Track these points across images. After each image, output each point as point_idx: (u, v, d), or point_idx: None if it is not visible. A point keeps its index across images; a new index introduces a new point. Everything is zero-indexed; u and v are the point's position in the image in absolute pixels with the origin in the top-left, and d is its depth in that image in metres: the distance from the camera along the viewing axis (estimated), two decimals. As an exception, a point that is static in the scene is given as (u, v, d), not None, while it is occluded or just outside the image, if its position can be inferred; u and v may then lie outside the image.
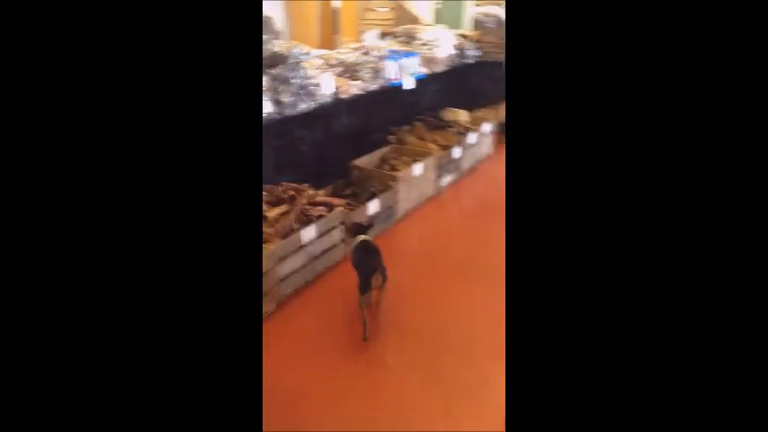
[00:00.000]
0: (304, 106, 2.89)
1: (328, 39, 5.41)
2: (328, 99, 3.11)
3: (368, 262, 2.40)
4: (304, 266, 2.65)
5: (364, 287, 2.32)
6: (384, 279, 2.41)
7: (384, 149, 3.85)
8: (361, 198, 3.24)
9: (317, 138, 3.09)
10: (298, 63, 2.81)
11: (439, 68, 4.33)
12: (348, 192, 3.35)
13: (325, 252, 2.79)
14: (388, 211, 3.32)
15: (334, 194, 3.28)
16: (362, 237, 2.61)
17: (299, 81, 2.82)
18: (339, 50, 3.57)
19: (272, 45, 2.69)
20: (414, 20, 5.03)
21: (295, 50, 2.78)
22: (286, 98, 2.76)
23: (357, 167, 3.49)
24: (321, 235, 2.71)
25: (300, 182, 2.93)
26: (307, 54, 2.89)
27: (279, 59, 2.72)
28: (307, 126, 2.97)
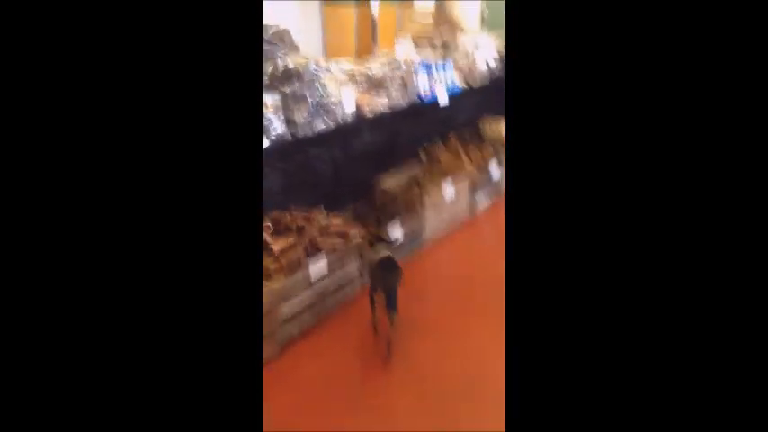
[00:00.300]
0: (321, 126, 2.67)
1: (366, 48, 5.18)
2: (349, 118, 2.87)
3: (391, 276, 2.25)
4: (313, 305, 2.41)
5: (393, 303, 2.19)
6: (394, 308, 2.21)
7: (413, 169, 3.58)
8: (383, 223, 2.98)
9: (336, 157, 2.86)
10: (314, 79, 2.59)
11: (477, 81, 4.01)
12: (369, 216, 3.10)
13: (339, 289, 2.54)
14: (413, 236, 3.04)
15: (355, 218, 3.04)
16: (384, 252, 2.38)
17: (316, 99, 2.60)
18: (367, 63, 3.32)
19: (286, 60, 2.47)
20: (454, 25, 4.72)
21: (312, 66, 2.55)
22: (301, 118, 2.54)
23: (380, 189, 3.23)
24: (334, 269, 2.47)
25: (312, 206, 2.70)
26: (326, 70, 2.67)
27: (293, 76, 2.50)
28: (324, 144, 2.74)
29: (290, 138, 2.54)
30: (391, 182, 3.31)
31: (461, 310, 2.57)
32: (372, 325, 2.42)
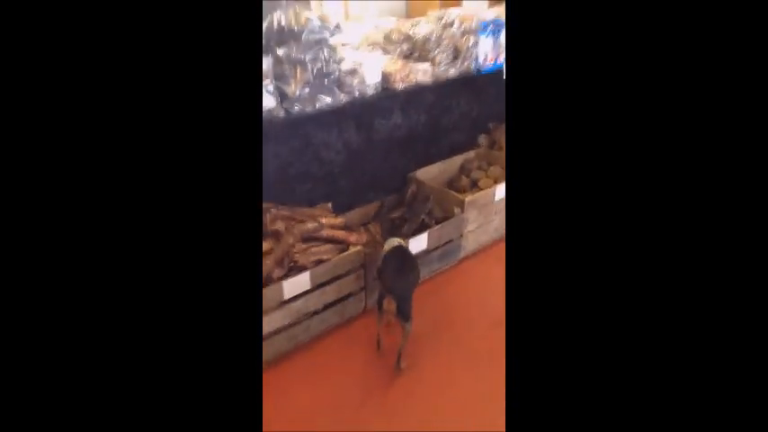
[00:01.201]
0: (327, 101, 2.10)
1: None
2: (371, 91, 2.27)
3: (404, 276, 1.83)
4: (291, 326, 1.92)
5: (406, 313, 1.79)
6: (407, 319, 1.80)
7: (467, 155, 2.89)
8: (410, 226, 2.38)
9: (350, 142, 2.28)
10: (320, 40, 2.02)
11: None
12: (396, 215, 2.51)
13: (331, 306, 2.02)
14: (449, 246, 2.41)
15: (376, 218, 2.47)
16: (397, 241, 1.93)
17: (320, 65, 2.04)
18: (413, 22, 2.67)
19: (279, 15, 1.92)
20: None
21: (315, 23, 1.98)
22: (297, 89, 2.00)
23: (416, 182, 2.61)
24: (322, 285, 1.94)
25: (311, 204, 2.18)
26: (336, 28, 2.08)
27: (287, 36, 1.95)
28: (333, 126, 2.18)
29: (282, 115, 2.01)
30: (428, 175, 2.68)
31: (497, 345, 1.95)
32: (377, 338, 1.94)
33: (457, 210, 2.42)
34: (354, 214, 2.43)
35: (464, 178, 2.80)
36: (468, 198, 2.42)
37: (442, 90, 2.58)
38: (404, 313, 1.79)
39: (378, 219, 2.49)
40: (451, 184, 2.82)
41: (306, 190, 2.23)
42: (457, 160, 2.82)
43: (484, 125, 2.96)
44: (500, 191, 2.55)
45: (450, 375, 1.88)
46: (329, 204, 2.22)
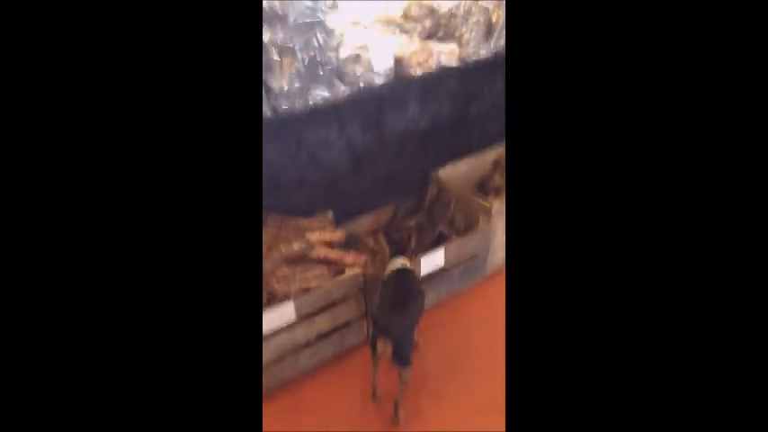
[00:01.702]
0: (324, 95, 1.77)
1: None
2: (379, 80, 1.91)
3: (402, 312, 1.51)
4: (274, 363, 1.66)
5: (404, 358, 1.49)
6: (405, 363, 1.50)
7: (501, 149, 2.49)
8: (425, 237, 2.05)
9: (356, 140, 1.95)
10: (312, 24, 1.67)
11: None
12: (412, 223, 2.17)
13: (325, 336, 1.74)
14: (472, 263, 2.06)
15: (390, 227, 2.15)
16: (400, 262, 1.63)
17: (312, 53, 1.70)
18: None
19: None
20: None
21: (304, 2, 1.63)
22: (284, 83, 1.68)
23: (437, 183, 2.25)
24: (307, 316, 1.66)
25: (311, 212, 1.88)
26: (332, 6, 1.72)
27: (271, 18, 1.62)
28: (333, 122, 1.86)
29: (269, 114, 1.70)
30: (453, 174, 2.30)
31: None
32: (372, 385, 1.63)
33: (483, 219, 2.05)
34: (363, 222, 2.12)
35: (498, 177, 2.40)
36: (497, 205, 2.04)
37: (471, 74, 2.17)
38: (402, 358, 1.49)
39: (391, 227, 2.16)
40: (484, 183, 2.43)
41: (304, 197, 1.93)
42: (489, 155, 2.42)
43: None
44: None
45: (459, 426, 1.58)
46: (329, 213, 1.91)
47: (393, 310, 1.51)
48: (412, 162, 2.19)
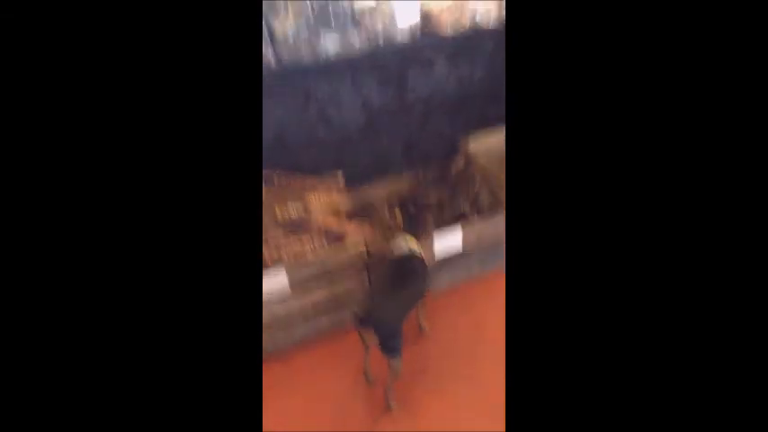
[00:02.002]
0: (335, 47, 1.61)
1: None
2: (402, 36, 1.72)
3: (392, 300, 1.37)
4: (267, 327, 1.57)
5: (393, 348, 1.36)
6: (394, 353, 1.37)
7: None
8: (446, 214, 1.87)
9: (373, 100, 1.79)
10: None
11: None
12: (430, 198, 1.99)
13: (317, 317, 1.63)
14: (496, 248, 1.87)
15: (410, 195, 1.98)
16: (405, 244, 1.48)
17: (324, 2, 1.54)
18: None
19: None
20: None
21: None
22: (289, 29, 1.54)
23: (465, 154, 2.04)
24: (301, 285, 1.54)
25: (315, 174, 1.75)
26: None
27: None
28: (344, 78, 1.70)
29: (273, 64, 1.57)
30: (485, 146, 2.08)
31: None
32: (364, 370, 1.55)
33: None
34: (377, 189, 1.97)
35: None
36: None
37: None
38: (389, 348, 1.35)
39: (408, 199, 2.00)
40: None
41: (311, 158, 1.80)
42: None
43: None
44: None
45: (456, 421, 1.43)
46: (339, 175, 1.77)
47: (383, 298, 1.36)
48: (438, 129, 2.00)
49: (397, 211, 1.86)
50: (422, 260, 1.47)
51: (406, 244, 1.49)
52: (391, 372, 1.40)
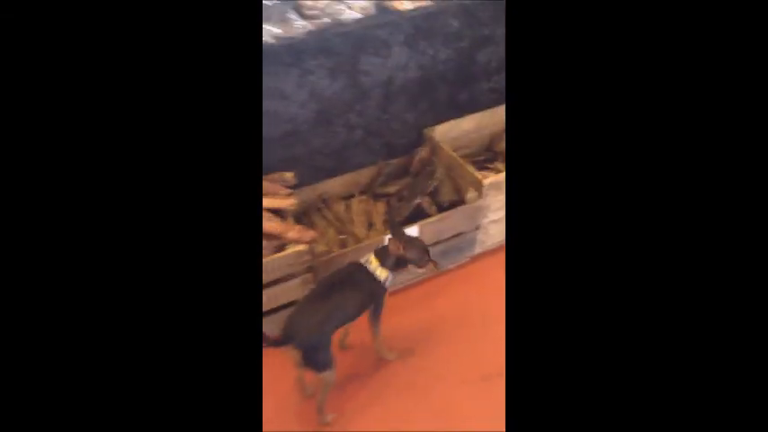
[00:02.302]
0: (277, 31, 1.46)
1: None
2: (359, 14, 1.55)
3: (318, 312, 1.26)
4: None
5: (315, 361, 1.27)
6: (321, 368, 1.29)
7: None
8: (403, 209, 1.76)
9: (323, 89, 1.64)
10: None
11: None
12: (391, 190, 1.88)
13: (267, 314, 1.54)
14: (458, 241, 1.76)
15: (369, 189, 1.86)
16: (366, 259, 1.37)
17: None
18: None
19: None
20: None
21: None
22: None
23: (430, 144, 1.91)
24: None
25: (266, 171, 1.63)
26: None
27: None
28: (295, 67, 1.55)
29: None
30: (454, 133, 1.93)
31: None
32: (299, 382, 1.48)
33: (471, 193, 1.72)
34: (335, 184, 1.85)
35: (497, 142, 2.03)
36: (490, 179, 1.69)
37: (478, 11, 1.75)
38: (314, 362, 1.26)
39: (368, 194, 1.88)
40: (492, 145, 2.06)
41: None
42: (501, 112, 2.02)
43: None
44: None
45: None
46: (287, 175, 1.65)
47: (305, 308, 1.26)
48: (399, 117, 1.85)
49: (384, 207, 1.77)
50: (372, 277, 1.34)
51: (366, 258, 1.36)
52: (322, 386, 1.32)
